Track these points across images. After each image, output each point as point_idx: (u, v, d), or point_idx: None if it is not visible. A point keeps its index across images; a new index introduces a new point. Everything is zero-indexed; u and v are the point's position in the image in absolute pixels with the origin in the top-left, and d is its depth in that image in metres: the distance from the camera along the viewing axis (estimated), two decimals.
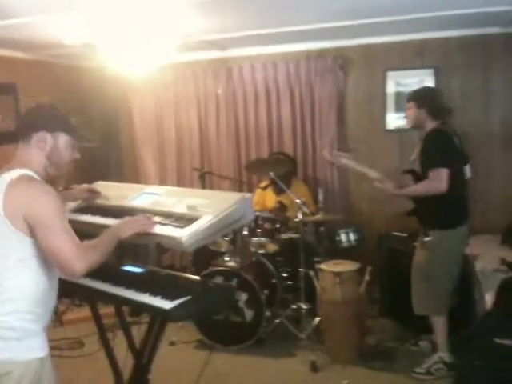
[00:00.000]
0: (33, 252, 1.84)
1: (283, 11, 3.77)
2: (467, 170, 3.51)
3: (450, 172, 3.22)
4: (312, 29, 4.27)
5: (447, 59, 4.71)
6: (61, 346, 4.04)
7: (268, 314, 3.99)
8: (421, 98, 3.49)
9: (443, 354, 3.50)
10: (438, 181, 3.23)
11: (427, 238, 3.38)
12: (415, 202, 3.52)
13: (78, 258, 1.81)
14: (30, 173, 1.89)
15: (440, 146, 3.34)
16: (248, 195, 2.29)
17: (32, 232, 1.81)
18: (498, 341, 2.32)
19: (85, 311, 4.02)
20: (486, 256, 3.74)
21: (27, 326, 1.85)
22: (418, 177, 3.45)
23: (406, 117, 3.67)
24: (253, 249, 4.26)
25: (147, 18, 3.55)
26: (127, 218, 2.17)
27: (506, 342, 2.29)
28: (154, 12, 3.44)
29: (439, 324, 3.49)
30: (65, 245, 1.80)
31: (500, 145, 4.69)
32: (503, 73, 4.61)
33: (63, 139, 1.99)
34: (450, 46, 4.69)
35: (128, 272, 2.43)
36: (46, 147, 1.95)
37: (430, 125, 3.44)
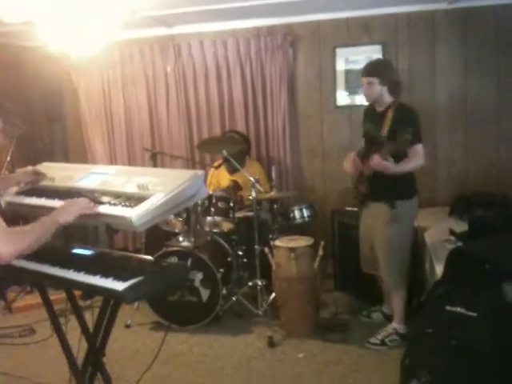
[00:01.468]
0: None
1: None
2: None
3: None
4: (260, 4, 4.22)
5: (394, 35, 4.76)
6: (11, 334, 3.93)
7: (224, 292, 3.98)
8: (384, 74, 3.41)
9: (398, 326, 3.58)
10: (420, 157, 3.35)
11: (395, 210, 3.40)
12: (372, 178, 3.45)
13: (4, 242, 1.77)
14: None
15: (415, 122, 3.36)
16: (200, 172, 2.25)
17: None
18: (448, 308, 2.38)
19: (35, 298, 3.91)
20: (435, 228, 3.85)
21: None
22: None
23: (365, 91, 3.50)
24: (207, 228, 4.23)
25: None
26: (67, 202, 2.12)
27: (457, 309, 2.36)
28: None
29: (403, 297, 3.56)
30: None
31: (446, 121, 4.80)
32: (448, 49, 4.70)
33: None
34: (397, 22, 4.73)
35: (77, 255, 2.35)
36: None
37: (389, 100, 3.44)
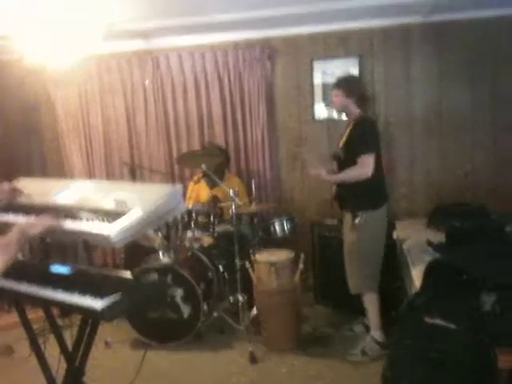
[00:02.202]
0: None
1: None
2: None
3: (375, 157, 3.44)
4: (238, 18, 4.24)
5: (371, 48, 4.81)
6: None
7: (205, 308, 3.94)
8: (349, 87, 3.59)
9: (375, 333, 3.62)
10: (365, 167, 3.42)
11: (357, 220, 3.50)
12: (339, 186, 3.67)
13: None
14: None
15: (367, 133, 3.49)
16: (178, 186, 2.25)
17: None
18: (427, 320, 2.39)
19: (14, 316, 3.82)
20: (413, 239, 3.86)
21: None
22: (340, 161, 3.62)
23: (332, 102, 3.75)
24: (187, 243, 4.20)
25: (66, 6, 3.40)
26: (32, 217, 2.13)
27: (436, 320, 2.36)
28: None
29: (372, 301, 3.61)
30: None
31: (422, 131, 4.85)
32: (423, 60, 4.76)
33: None
34: (373, 36, 4.79)
35: (55, 272, 2.31)
36: None
37: (356, 112, 3.59)
